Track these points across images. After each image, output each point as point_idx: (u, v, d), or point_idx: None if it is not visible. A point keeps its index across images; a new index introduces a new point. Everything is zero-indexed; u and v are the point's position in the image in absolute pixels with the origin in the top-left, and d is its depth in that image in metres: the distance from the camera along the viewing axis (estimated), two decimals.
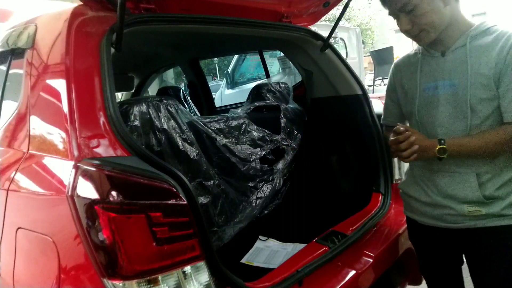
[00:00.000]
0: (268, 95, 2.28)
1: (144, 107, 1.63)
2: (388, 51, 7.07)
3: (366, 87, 2.07)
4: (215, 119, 2.03)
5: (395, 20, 1.27)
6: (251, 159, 2.02)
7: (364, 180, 1.95)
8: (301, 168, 2.24)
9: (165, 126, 1.68)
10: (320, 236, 1.55)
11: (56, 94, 1.10)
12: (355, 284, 1.42)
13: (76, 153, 0.98)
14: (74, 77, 1.08)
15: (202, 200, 1.77)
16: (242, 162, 1.99)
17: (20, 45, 1.35)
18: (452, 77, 1.23)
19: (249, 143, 2.07)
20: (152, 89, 4.02)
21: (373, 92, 6.13)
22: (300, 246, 1.68)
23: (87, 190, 0.92)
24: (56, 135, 1.10)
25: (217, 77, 15.60)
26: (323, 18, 2.12)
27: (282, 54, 4.02)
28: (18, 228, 1.11)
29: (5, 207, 1.16)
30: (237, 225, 1.91)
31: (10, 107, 1.34)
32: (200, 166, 1.79)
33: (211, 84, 3.68)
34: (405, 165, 1.96)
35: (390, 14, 1.27)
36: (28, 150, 1.16)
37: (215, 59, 13.53)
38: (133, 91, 3.59)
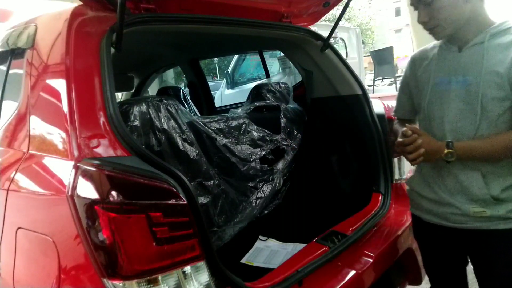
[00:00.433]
0: (268, 95, 2.28)
1: (144, 107, 1.63)
2: (388, 51, 7.09)
3: (366, 87, 2.07)
4: (215, 119, 2.03)
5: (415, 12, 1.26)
6: (251, 159, 2.02)
7: (364, 180, 1.95)
8: (301, 168, 2.24)
9: (165, 126, 1.68)
10: (320, 236, 1.55)
11: (56, 94, 1.10)
12: (355, 284, 1.42)
13: (76, 153, 0.98)
14: (74, 77, 1.08)
15: (202, 200, 1.77)
16: (242, 162, 1.99)
17: (20, 45, 1.35)
18: (466, 73, 1.21)
19: (249, 143, 2.07)
20: (152, 89, 4.02)
21: (373, 92, 6.14)
22: (300, 246, 1.68)
23: (87, 190, 0.92)
24: (56, 135, 1.10)
25: (217, 77, 15.60)
26: (323, 18, 2.12)
27: (282, 54, 4.02)
28: (18, 228, 1.11)
29: (5, 207, 1.16)
30: (237, 225, 1.91)
31: (10, 107, 1.34)
32: (200, 166, 1.79)
33: (210, 83, 3.67)
34: (405, 165, 1.97)
35: (410, 4, 1.26)
36: (28, 150, 1.16)
37: (215, 59, 13.53)
38: (133, 91, 3.59)
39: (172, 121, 1.71)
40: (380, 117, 1.91)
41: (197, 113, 3.01)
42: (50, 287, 0.98)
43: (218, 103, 4.20)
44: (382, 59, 7.12)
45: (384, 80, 7.65)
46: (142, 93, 3.58)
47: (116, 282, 0.90)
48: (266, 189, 2.05)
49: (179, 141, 1.71)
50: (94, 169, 0.93)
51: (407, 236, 1.72)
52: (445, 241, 1.38)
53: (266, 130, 2.13)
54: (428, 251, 1.51)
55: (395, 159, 1.92)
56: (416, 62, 1.41)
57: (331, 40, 2.00)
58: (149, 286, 0.93)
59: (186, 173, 1.72)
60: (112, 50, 1.20)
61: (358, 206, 1.81)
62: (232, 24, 1.64)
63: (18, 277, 1.11)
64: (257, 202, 2.01)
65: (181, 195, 0.98)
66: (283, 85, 2.36)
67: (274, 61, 5.61)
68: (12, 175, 1.17)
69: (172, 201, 0.97)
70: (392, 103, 2.09)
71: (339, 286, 1.37)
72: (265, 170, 2.07)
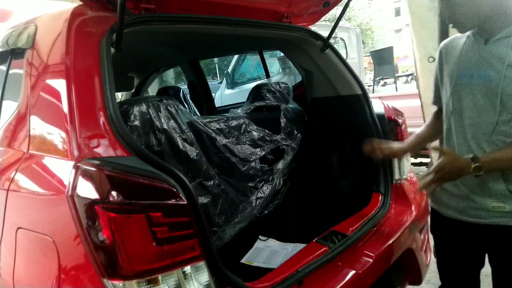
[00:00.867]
0: (268, 95, 2.28)
1: (144, 107, 1.63)
2: (388, 51, 7.07)
3: (366, 87, 2.07)
4: (215, 119, 2.03)
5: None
6: (251, 159, 2.03)
7: (364, 180, 1.95)
8: (301, 168, 2.24)
9: (165, 126, 1.68)
10: (320, 236, 1.55)
11: (56, 94, 1.10)
12: (355, 284, 1.42)
13: (76, 153, 0.98)
14: (74, 77, 1.09)
15: (202, 200, 1.77)
16: (242, 162, 1.99)
17: (20, 45, 1.35)
18: (488, 67, 1.20)
19: (249, 143, 2.07)
20: (152, 89, 4.02)
21: (373, 92, 6.13)
22: (300, 246, 1.68)
23: (87, 190, 0.92)
24: (56, 135, 1.10)
25: (217, 77, 15.61)
26: (323, 18, 2.12)
27: (282, 54, 4.02)
28: (18, 228, 1.11)
29: (5, 207, 1.16)
30: (237, 225, 1.91)
31: (10, 107, 1.34)
32: (200, 166, 1.79)
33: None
34: (405, 165, 1.96)
35: None
36: (28, 150, 1.16)
37: (215, 59, 13.53)
38: (133, 91, 3.59)
39: (172, 121, 1.71)
40: (380, 117, 1.91)
41: (197, 113, 3.01)
42: (50, 287, 0.97)
43: (218, 103, 4.20)
44: (382, 59, 7.11)
45: (384, 80, 7.65)
46: (142, 93, 3.58)
47: (116, 282, 0.90)
48: (266, 189, 2.05)
49: (179, 141, 1.71)
50: (94, 169, 0.93)
51: (407, 236, 1.72)
52: (462, 236, 1.37)
53: (266, 130, 2.13)
54: (444, 247, 1.50)
55: (395, 159, 1.92)
56: (442, 52, 1.40)
57: (331, 40, 2.00)
58: (149, 286, 0.92)
59: (186, 173, 1.72)
60: (112, 50, 1.20)
61: (358, 206, 1.81)
62: (232, 24, 1.64)
63: (18, 277, 1.11)
64: (257, 202, 2.01)
65: (181, 195, 0.98)
66: (283, 85, 2.36)
67: (274, 61, 5.60)
68: (12, 175, 1.16)
69: (172, 201, 0.97)
70: (393, 103, 2.10)
71: (339, 286, 1.37)
72: (265, 170, 2.07)
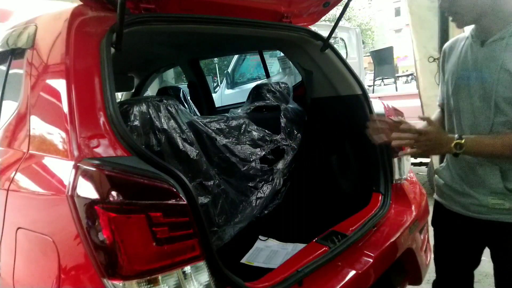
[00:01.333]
0: (268, 95, 2.28)
1: (144, 107, 1.63)
2: (388, 51, 7.07)
3: (366, 87, 2.07)
4: (215, 119, 2.03)
5: None
6: (251, 159, 2.03)
7: (364, 180, 1.95)
8: (301, 168, 2.24)
9: (165, 126, 1.68)
10: (320, 236, 1.55)
11: (56, 94, 1.10)
12: (355, 284, 1.42)
13: (76, 153, 0.98)
14: (74, 77, 1.09)
15: (202, 200, 1.77)
16: (242, 162, 1.99)
17: (20, 45, 1.35)
18: (483, 69, 1.21)
19: (249, 143, 2.07)
20: (152, 89, 4.02)
21: (373, 92, 6.13)
22: (300, 246, 1.67)
23: (87, 190, 0.92)
24: (56, 135, 1.10)
25: (217, 77, 15.60)
26: (323, 18, 2.12)
27: (282, 54, 4.02)
28: (18, 228, 1.11)
29: (5, 207, 1.16)
30: (237, 225, 1.91)
31: (10, 107, 1.34)
32: (200, 166, 1.79)
33: None
34: (405, 165, 1.96)
35: None
36: (28, 150, 1.16)
37: (215, 59, 13.52)
38: (133, 91, 3.59)
39: (172, 121, 1.71)
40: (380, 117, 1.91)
41: (197, 113, 3.01)
42: (50, 287, 0.97)
43: (218, 103, 4.20)
44: (382, 59, 7.11)
45: (384, 80, 7.65)
46: (142, 93, 3.58)
47: (116, 282, 0.90)
48: (266, 189, 2.05)
49: (179, 141, 1.71)
50: (94, 169, 0.93)
51: (407, 236, 1.72)
52: (463, 231, 1.39)
53: (266, 130, 2.13)
54: (443, 240, 1.51)
55: (395, 159, 1.92)
56: (446, 52, 1.41)
57: (331, 40, 2.00)
58: (149, 286, 0.92)
59: (186, 173, 1.72)
60: (112, 50, 1.20)
61: (358, 206, 1.81)
62: (232, 24, 1.64)
63: (18, 277, 1.11)
64: (257, 202, 2.01)
65: (181, 195, 0.98)
66: (283, 85, 2.36)
67: (274, 61, 5.60)
68: (12, 175, 1.16)
69: (172, 201, 0.97)
70: (393, 103, 2.10)
71: (339, 286, 1.37)
72: (265, 170, 2.07)
